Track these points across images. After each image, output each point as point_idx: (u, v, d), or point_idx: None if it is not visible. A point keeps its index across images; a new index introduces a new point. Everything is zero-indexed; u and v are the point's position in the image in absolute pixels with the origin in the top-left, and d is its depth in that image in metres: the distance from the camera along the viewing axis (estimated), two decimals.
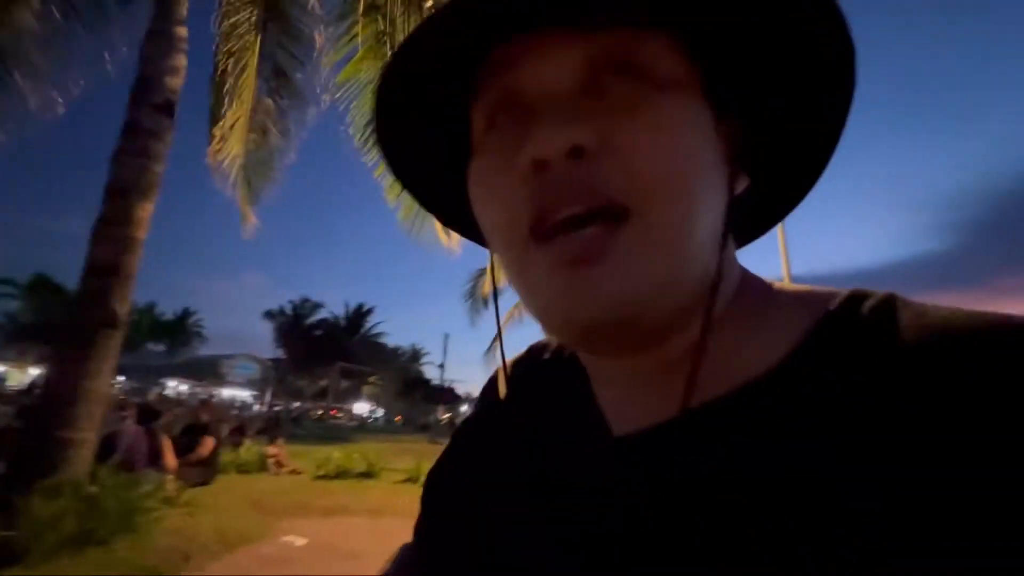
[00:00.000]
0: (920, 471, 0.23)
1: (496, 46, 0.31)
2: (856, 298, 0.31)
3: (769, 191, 0.39)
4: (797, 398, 0.27)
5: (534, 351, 0.48)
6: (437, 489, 0.45)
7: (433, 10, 0.29)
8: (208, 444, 7.77)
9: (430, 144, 0.39)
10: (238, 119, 5.98)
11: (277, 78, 6.46)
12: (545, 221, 0.29)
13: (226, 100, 5.86)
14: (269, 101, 6.47)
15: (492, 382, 0.49)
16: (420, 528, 0.45)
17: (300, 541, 4.95)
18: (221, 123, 5.90)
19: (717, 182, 0.31)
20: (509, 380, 0.45)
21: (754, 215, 0.40)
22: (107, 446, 5.38)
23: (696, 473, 0.28)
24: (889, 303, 0.29)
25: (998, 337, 0.24)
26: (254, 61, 5.89)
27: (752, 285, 0.35)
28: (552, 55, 0.30)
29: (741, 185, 0.35)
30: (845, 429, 0.25)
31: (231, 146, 6.05)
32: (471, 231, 0.42)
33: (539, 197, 0.29)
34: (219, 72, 5.95)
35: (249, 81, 5.90)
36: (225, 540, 4.75)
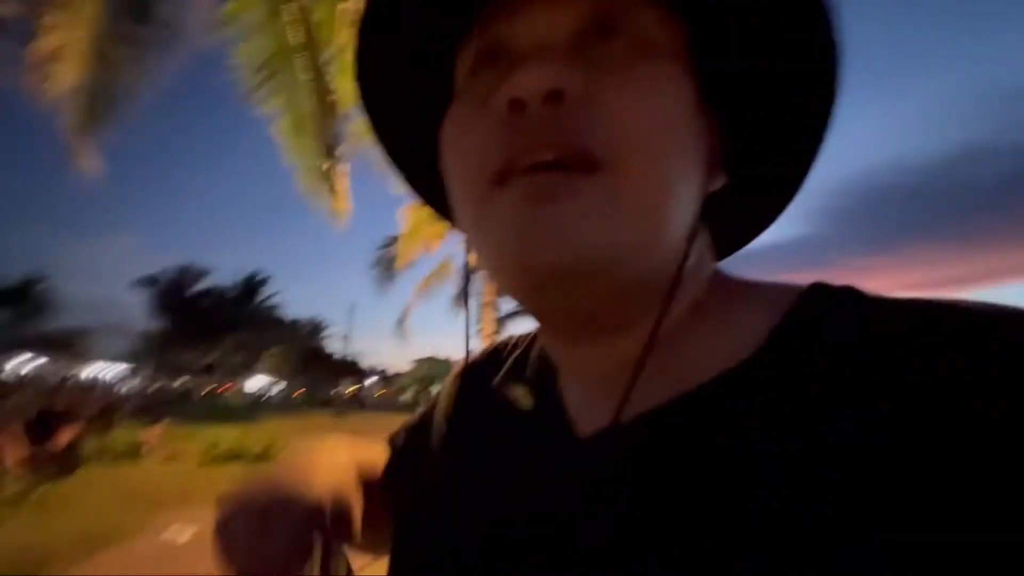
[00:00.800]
0: (876, 457, 0.23)
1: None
2: (817, 291, 0.31)
3: (747, 200, 0.38)
4: (760, 392, 0.28)
5: (499, 348, 0.48)
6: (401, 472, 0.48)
7: None
8: (66, 431, 6.75)
9: (411, 87, 0.38)
10: (73, 41, 4.86)
11: (131, 2, 5.34)
12: (513, 166, 0.28)
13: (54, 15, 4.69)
14: (120, 25, 5.32)
15: (458, 376, 0.48)
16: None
17: (184, 535, 4.50)
18: (44, 42, 4.72)
19: (694, 163, 0.31)
20: (473, 379, 0.45)
21: (732, 227, 0.40)
22: None
23: (654, 470, 0.28)
24: (847, 294, 0.30)
25: (951, 326, 0.25)
26: None
27: (723, 281, 0.35)
28: (545, 9, 0.30)
29: (718, 182, 0.34)
30: (806, 420, 0.26)
31: (64, 73, 4.93)
32: (435, 197, 0.41)
33: (512, 142, 0.28)
34: None
35: None
36: (90, 539, 4.19)
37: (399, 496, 0.46)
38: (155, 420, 9.42)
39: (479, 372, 0.45)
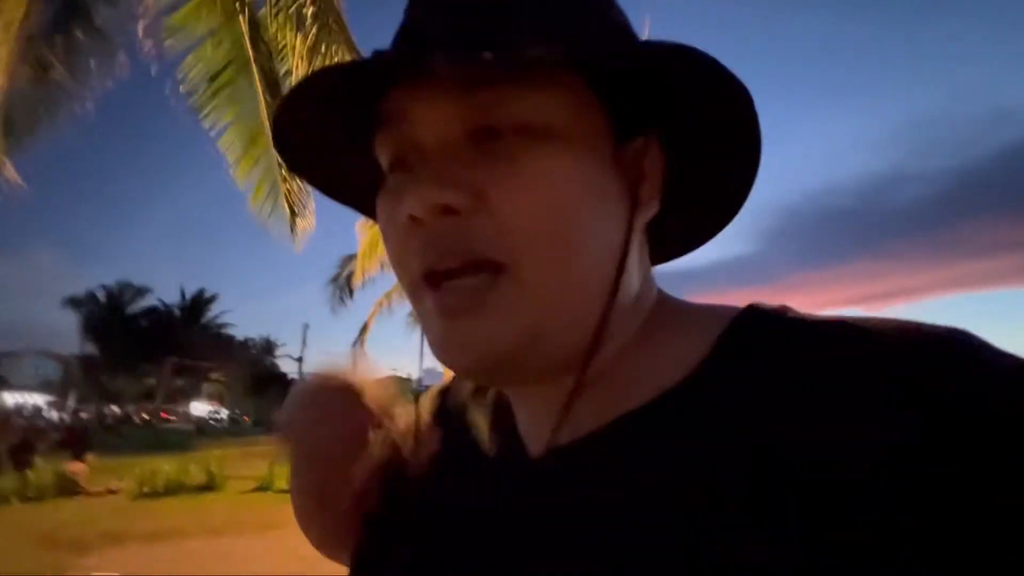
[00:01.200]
0: (800, 468, 0.25)
1: (390, 89, 0.32)
2: (750, 312, 0.33)
3: (698, 206, 0.40)
4: (694, 409, 0.30)
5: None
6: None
7: None
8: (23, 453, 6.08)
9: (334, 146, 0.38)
10: (1, 44, 4.51)
11: (68, 6, 5.03)
12: (432, 270, 0.31)
13: None
14: (53, 32, 4.98)
15: (438, 393, 0.49)
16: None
17: None
18: None
19: (607, 222, 0.32)
20: (447, 396, 0.47)
21: (675, 237, 0.42)
22: None
23: (593, 485, 0.31)
24: (777, 314, 0.33)
25: (864, 341, 0.28)
26: None
27: (665, 305, 0.37)
28: (435, 107, 0.31)
29: (650, 210, 0.35)
30: (735, 434, 0.28)
31: None
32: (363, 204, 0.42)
33: (422, 249, 0.31)
34: None
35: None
36: None
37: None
38: (79, 454, 8.63)
39: (454, 390, 0.47)
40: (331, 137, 0.37)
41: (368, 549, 0.42)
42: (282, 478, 8.97)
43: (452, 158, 0.31)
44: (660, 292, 0.38)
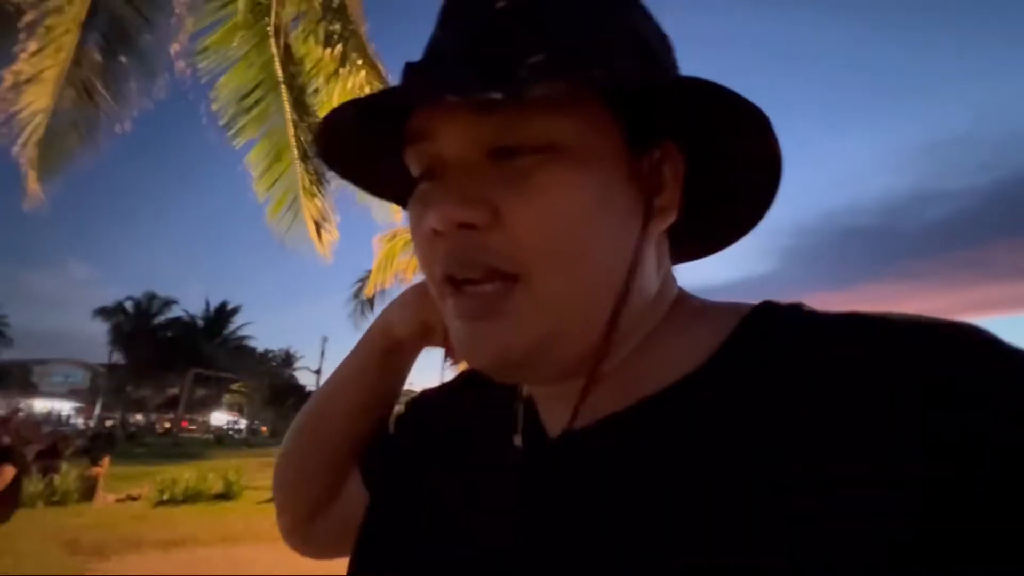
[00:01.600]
0: (812, 455, 0.26)
1: (416, 109, 0.35)
2: (766, 307, 0.35)
3: (718, 216, 0.41)
4: (707, 396, 0.31)
5: None
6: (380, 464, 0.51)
7: None
8: (6, 473, 6.26)
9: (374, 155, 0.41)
10: (50, 67, 4.75)
11: (114, 32, 5.31)
12: (454, 276, 0.34)
13: (24, 39, 4.60)
14: (99, 57, 5.26)
15: (462, 376, 0.51)
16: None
17: None
18: (16, 67, 4.63)
19: (619, 232, 0.34)
20: (471, 382, 0.48)
21: (707, 232, 0.43)
22: None
23: (610, 466, 0.33)
24: (792, 309, 0.34)
25: (876, 335, 0.29)
26: (81, 6, 4.76)
27: (685, 302, 0.39)
28: (455, 128, 0.33)
29: (668, 218, 0.36)
30: (748, 420, 0.29)
31: (34, 98, 4.82)
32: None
33: (444, 258, 0.34)
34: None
35: (70, 24, 4.74)
36: None
37: (375, 468, 0.51)
38: (97, 459, 8.82)
39: (476, 378, 0.48)
40: (369, 150, 0.40)
41: (375, 530, 0.44)
42: None
43: (471, 175, 0.33)
44: (680, 291, 0.40)
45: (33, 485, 7.39)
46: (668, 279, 0.39)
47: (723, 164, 0.37)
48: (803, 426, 0.27)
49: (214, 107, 4.93)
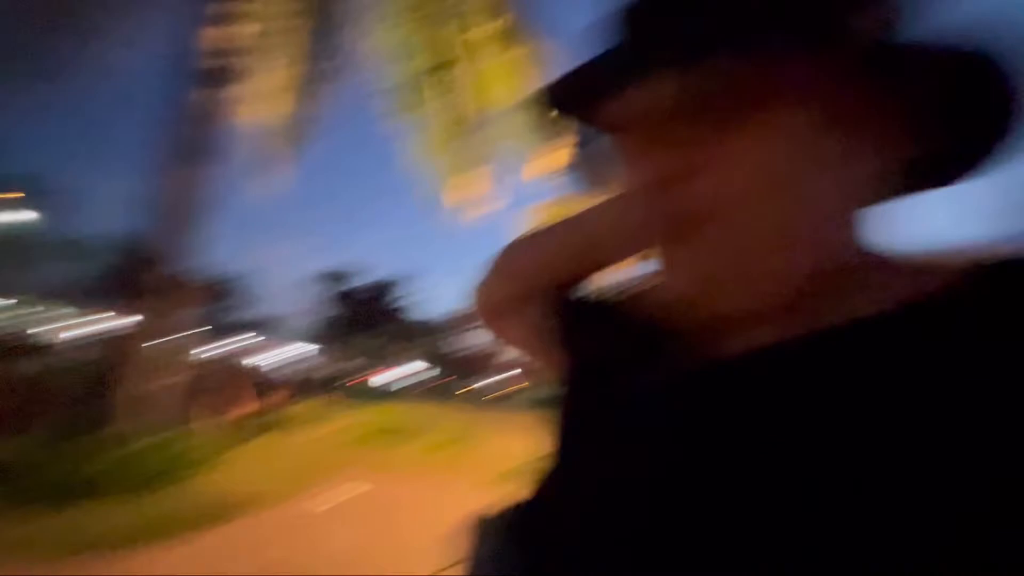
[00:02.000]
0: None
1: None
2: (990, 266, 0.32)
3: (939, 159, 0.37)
4: (922, 328, 0.30)
5: None
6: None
7: None
8: (271, 397, 8.08)
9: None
10: (289, 77, 5.79)
11: (327, 37, 6.15)
12: (665, 219, 0.36)
13: (260, 57, 5.62)
14: (317, 64, 6.18)
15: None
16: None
17: (323, 506, 5.10)
18: (258, 81, 5.75)
19: (820, 175, 0.33)
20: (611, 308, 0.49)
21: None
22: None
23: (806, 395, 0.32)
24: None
25: None
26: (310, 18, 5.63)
27: (892, 251, 0.37)
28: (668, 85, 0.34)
29: (875, 160, 0.35)
30: (950, 371, 0.28)
31: (278, 105, 5.90)
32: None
33: (652, 203, 0.36)
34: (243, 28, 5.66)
35: (300, 37, 5.65)
36: (262, 497, 4.93)
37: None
38: (322, 396, 10.85)
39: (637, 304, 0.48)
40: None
41: (572, 444, 0.44)
42: (470, 436, 10.08)
43: (678, 124, 0.34)
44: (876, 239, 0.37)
45: (268, 417, 9.38)
46: (863, 223, 0.37)
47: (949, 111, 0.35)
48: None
49: (385, 93, 5.44)
